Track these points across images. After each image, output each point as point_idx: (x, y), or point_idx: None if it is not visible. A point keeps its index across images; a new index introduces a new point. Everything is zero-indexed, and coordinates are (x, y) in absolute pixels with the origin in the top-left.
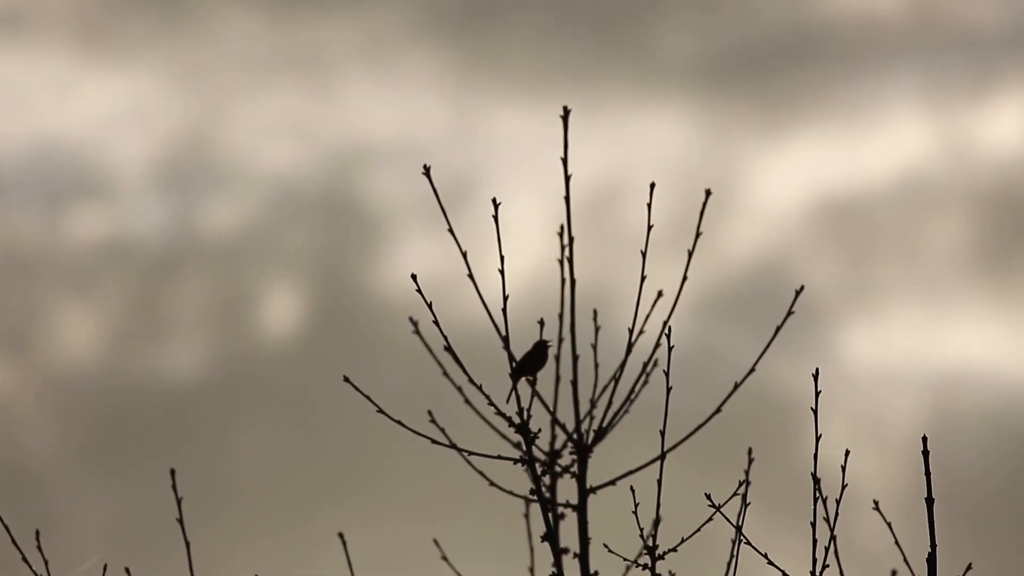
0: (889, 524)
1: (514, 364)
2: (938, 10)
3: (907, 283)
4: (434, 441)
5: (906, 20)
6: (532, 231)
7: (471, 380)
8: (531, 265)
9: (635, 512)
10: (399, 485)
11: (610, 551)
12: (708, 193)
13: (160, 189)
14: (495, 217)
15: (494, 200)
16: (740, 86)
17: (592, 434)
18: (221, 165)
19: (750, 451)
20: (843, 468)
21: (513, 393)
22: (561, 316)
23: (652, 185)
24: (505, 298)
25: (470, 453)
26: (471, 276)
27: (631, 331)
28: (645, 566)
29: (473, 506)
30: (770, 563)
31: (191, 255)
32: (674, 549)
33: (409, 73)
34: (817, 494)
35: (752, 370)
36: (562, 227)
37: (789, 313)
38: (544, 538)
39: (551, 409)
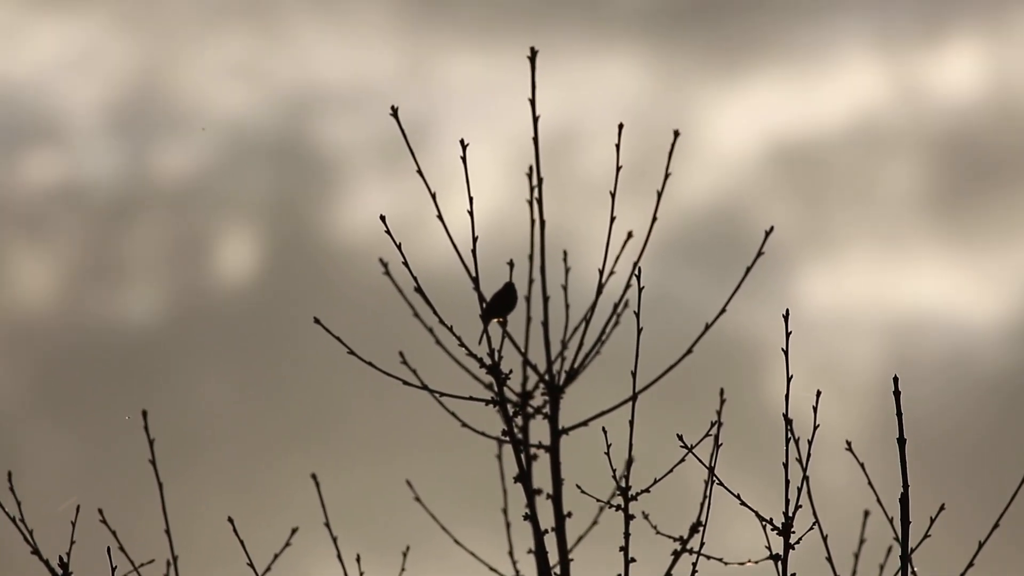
0: (862, 464)
1: (484, 305)
2: None
3: (863, 227)
4: (405, 383)
5: None
6: (488, 174)
7: (442, 321)
8: (489, 207)
9: (607, 453)
10: (370, 427)
11: (583, 492)
12: (676, 134)
13: (113, 133)
14: (463, 158)
15: (462, 141)
16: (693, 31)
17: (564, 375)
18: (174, 109)
19: (722, 392)
20: (814, 408)
21: (484, 334)
22: (531, 257)
23: (620, 126)
24: (475, 239)
25: (442, 394)
26: (440, 217)
27: (601, 272)
28: (618, 507)
29: (445, 447)
30: (743, 504)
31: (145, 199)
32: (647, 490)
33: (362, 18)
34: (789, 435)
35: (723, 310)
36: (531, 168)
37: (759, 254)
38: (517, 479)
39: (522, 350)
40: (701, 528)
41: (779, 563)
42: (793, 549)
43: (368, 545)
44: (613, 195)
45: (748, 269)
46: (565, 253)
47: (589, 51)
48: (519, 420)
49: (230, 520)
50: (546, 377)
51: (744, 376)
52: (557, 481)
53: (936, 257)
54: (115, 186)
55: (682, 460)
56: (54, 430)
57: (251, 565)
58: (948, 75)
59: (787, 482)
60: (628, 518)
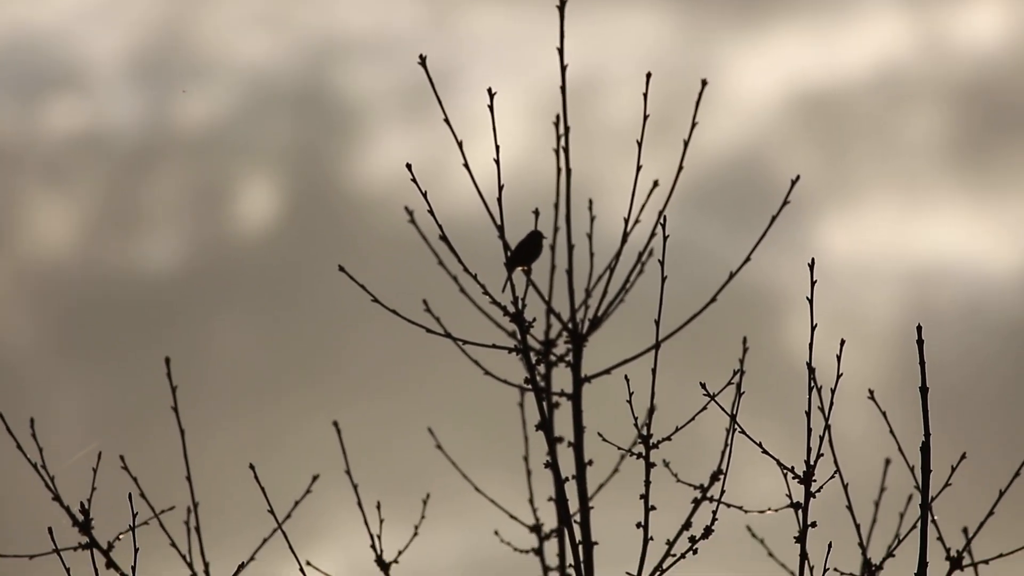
0: (884, 413)
1: (509, 254)
2: None
3: (884, 177)
4: (429, 330)
5: None
6: (511, 123)
7: (466, 269)
8: (512, 155)
9: (629, 401)
10: (391, 374)
11: (604, 440)
12: (704, 83)
13: (135, 81)
14: (491, 107)
15: (489, 90)
16: None
17: (587, 323)
18: (196, 57)
19: (744, 340)
20: (838, 357)
21: (508, 283)
22: (556, 206)
23: (648, 75)
24: (500, 187)
25: (465, 342)
26: (466, 165)
27: (626, 221)
28: (639, 455)
29: (468, 395)
30: (764, 452)
31: (167, 147)
32: (668, 438)
33: None
34: (812, 383)
35: (748, 259)
36: (558, 117)
37: (785, 203)
38: (539, 427)
39: (546, 298)
40: (722, 476)
41: (800, 511)
42: (814, 497)
43: (388, 492)
44: (640, 144)
45: (773, 218)
46: (591, 202)
47: (611, 1)
48: (542, 368)
49: (251, 467)
50: (569, 325)
51: (764, 325)
52: (579, 429)
53: (956, 206)
54: (137, 134)
55: (704, 408)
56: (75, 377)
57: (272, 512)
58: (971, 25)
59: (809, 431)
60: (649, 466)
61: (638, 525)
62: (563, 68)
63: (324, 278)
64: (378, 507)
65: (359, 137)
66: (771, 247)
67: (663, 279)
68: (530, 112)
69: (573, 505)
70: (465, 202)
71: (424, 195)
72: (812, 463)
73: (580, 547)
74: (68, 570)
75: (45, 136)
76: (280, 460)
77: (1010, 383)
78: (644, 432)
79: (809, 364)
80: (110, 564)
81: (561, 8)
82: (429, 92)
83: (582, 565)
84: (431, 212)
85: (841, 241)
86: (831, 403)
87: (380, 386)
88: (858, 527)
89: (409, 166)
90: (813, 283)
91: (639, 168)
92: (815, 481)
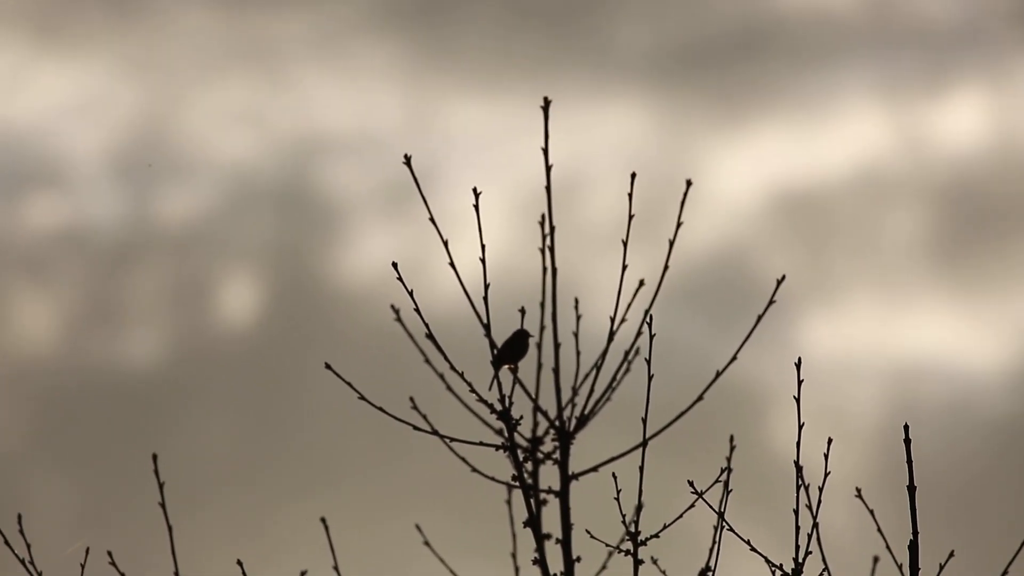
0: (871, 512)
1: (495, 352)
2: (892, 4)
3: (865, 275)
4: (416, 428)
5: (861, 14)
6: (493, 220)
7: (453, 367)
8: (495, 253)
9: (617, 498)
10: (379, 472)
11: (592, 537)
12: (689, 183)
13: (116, 179)
14: (476, 206)
15: (475, 189)
16: (696, 79)
17: (574, 421)
18: (177, 155)
19: (732, 438)
20: (826, 456)
21: (495, 381)
22: (542, 304)
23: (633, 175)
24: (486, 286)
25: (452, 440)
26: (452, 265)
27: (613, 319)
28: (628, 552)
29: (455, 493)
30: (753, 549)
31: (148, 244)
32: (656, 535)
33: (364, 64)
34: (800, 481)
35: (734, 358)
36: (543, 216)
37: (771, 302)
38: (526, 524)
39: (533, 396)
40: (710, 573)
41: None
42: None
43: None
44: (625, 243)
45: (759, 317)
46: (576, 300)
47: (593, 98)
48: (529, 465)
49: (239, 563)
50: (556, 423)
51: (749, 422)
52: (567, 526)
53: (938, 305)
54: (118, 230)
55: (692, 505)
56: (58, 472)
57: None
58: (951, 125)
59: (797, 528)
60: (637, 563)
61: None
62: (548, 168)
63: (307, 374)
64: None
65: (341, 234)
66: (754, 345)
67: (650, 377)
68: (511, 209)
69: None
70: (449, 299)
71: (411, 294)
72: (801, 561)
73: None
74: None
75: (27, 231)
76: (267, 554)
77: (996, 479)
78: (632, 529)
79: (797, 463)
80: None
81: (545, 109)
82: (410, 189)
83: None
84: (417, 310)
85: (824, 339)
86: (819, 501)
87: (367, 482)
88: None
89: (395, 264)
90: (800, 382)
91: (624, 267)
92: None
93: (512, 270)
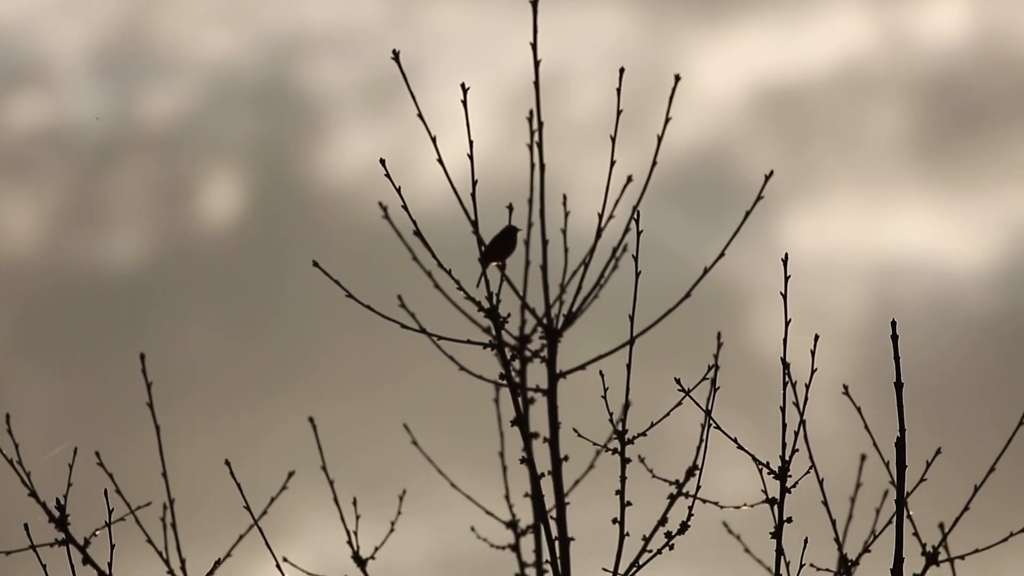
0: (859, 409)
1: (483, 249)
2: None
3: (848, 173)
4: (403, 326)
5: None
6: (477, 118)
7: (440, 265)
8: (479, 150)
9: (604, 397)
10: (366, 372)
11: (580, 436)
12: (677, 78)
13: (98, 76)
14: (464, 102)
15: (463, 85)
16: None
17: (562, 319)
18: (158, 52)
19: (719, 335)
20: (812, 353)
21: (483, 278)
22: (530, 201)
23: (621, 70)
24: (474, 183)
25: (439, 338)
26: (440, 161)
27: (600, 216)
28: (615, 450)
29: (443, 391)
30: (739, 447)
31: (130, 143)
32: (643, 433)
33: None
34: (786, 378)
35: (722, 255)
36: (531, 112)
37: (759, 198)
38: (514, 423)
39: (521, 294)
40: (697, 472)
41: (775, 507)
42: (789, 493)
43: (364, 489)
44: (613, 139)
45: (747, 213)
46: (565, 197)
47: None
48: (516, 364)
49: (227, 463)
50: (544, 321)
51: (732, 320)
52: (554, 425)
53: (921, 202)
54: (100, 129)
55: (679, 403)
56: (44, 373)
57: (248, 508)
58: (934, 20)
59: (784, 426)
60: (624, 462)
61: (614, 521)
62: (536, 63)
63: (292, 273)
64: (354, 503)
65: (324, 132)
66: (736, 243)
67: (637, 274)
68: (495, 107)
69: (549, 501)
70: (434, 197)
71: (398, 190)
72: (787, 458)
73: (556, 543)
74: (44, 567)
75: (7, 131)
76: (255, 457)
77: (982, 378)
78: (619, 428)
79: (783, 359)
80: (86, 560)
81: (534, 4)
82: (394, 87)
83: (558, 561)
84: (405, 207)
85: (806, 237)
86: (806, 398)
87: (354, 382)
88: (834, 523)
89: (383, 161)
90: (787, 278)
91: (612, 163)
92: (790, 477)
93: (497, 168)
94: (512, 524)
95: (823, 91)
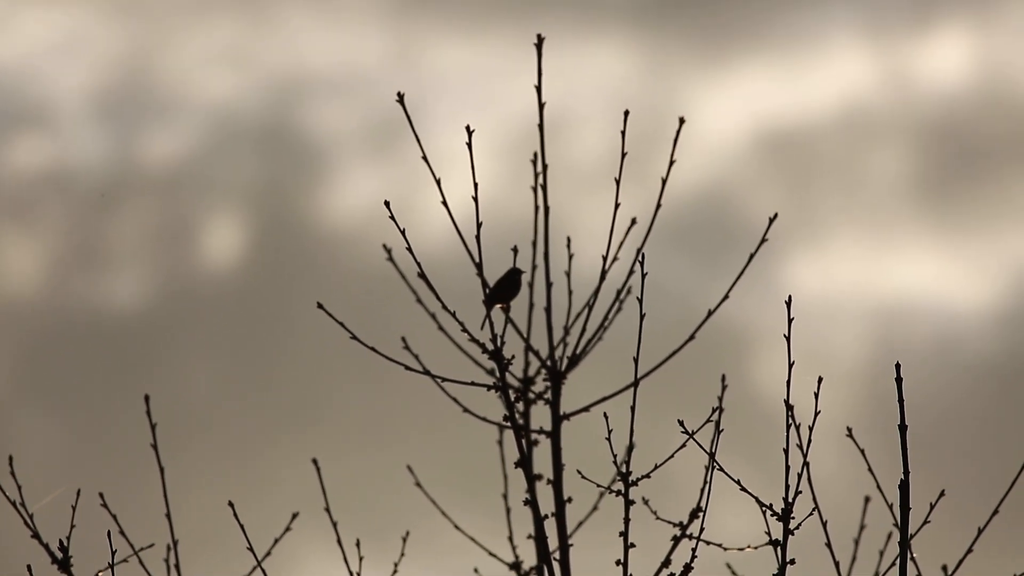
0: (862, 451)
1: (488, 291)
2: None
3: (850, 214)
4: (407, 368)
5: None
6: (479, 161)
7: (445, 307)
8: (481, 194)
9: (608, 439)
10: (369, 412)
11: (584, 477)
12: (682, 121)
13: (100, 118)
14: (469, 144)
15: (468, 127)
16: (680, 17)
17: (566, 361)
18: (160, 95)
19: (723, 378)
20: (816, 395)
21: (487, 320)
22: (534, 243)
23: (626, 113)
24: (479, 225)
25: (444, 379)
26: (445, 203)
27: (605, 258)
28: (618, 492)
29: (446, 433)
30: (743, 489)
31: (132, 184)
32: (647, 475)
33: (350, 3)
34: (790, 420)
35: (726, 296)
36: (535, 155)
37: (763, 240)
38: (518, 464)
39: (525, 336)
40: (701, 514)
41: (779, 549)
42: (793, 535)
43: (368, 530)
44: (618, 181)
45: (752, 256)
46: (568, 240)
47: (577, 37)
48: (520, 405)
49: (230, 504)
50: (548, 363)
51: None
52: (558, 466)
53: (923, 243)
54: (102, 171)
55: (683, 446)
56: (42, 415)
57: (251, 549)
58: (936, 62)
59: (787, 468)
60: (628, 503)
61: (617, 563)
62: (540, 106)
63: (295, 315)
64: (357, 545)
65: (325, 174)
66: (738, 284)
67: (642, 316)
68: (497, 147)
69: (553, 543)
70: (436, 240)
71: (403, 232)
72: (791, 500)
73: None
74: None
75: (10, 173)
76: (258, 499)
77: (985, 419)
78: (623, 469)
79: (787, 401)
80: None
81: (539, 46)
82: (395, 129)
83: None
84: (409, 249)
85: (808, 278)
86: (809, 440)
87: (358, 425)
88: (837, 565)
89: (387, 203)
90: (790, 320)
91: (617, 206)
92: (794, 518)
93: (500, 208)
94: (515, 566)
95: (825, 133)
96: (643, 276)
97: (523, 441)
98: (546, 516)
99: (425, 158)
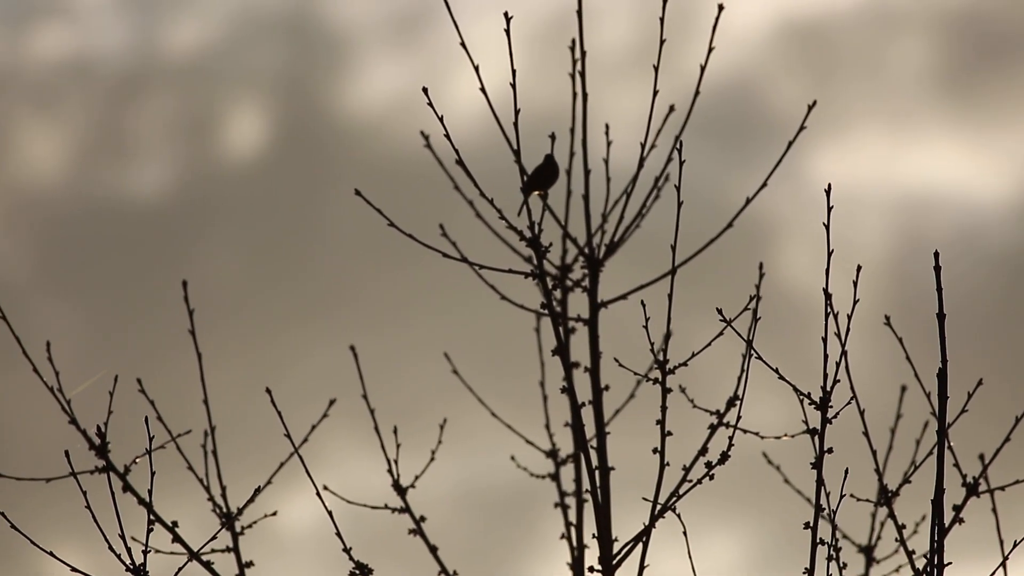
0: (900, 339)
1: (525, 178)
2: None
3: (873, 105)
4: (445, 255)
5: None
6: (502, 48)
7: (483, 194)
8: (502, 81)
9: (646, 327)
10: (407, 301)
11: (621, 365)
12: (721, 8)
13: (122, 7)
14: (507, 31)
15: (506, 14)
16: None
17: (603, 248)
18: None
19: (761, 266)
20: (855, 283)
21: (524, 207)
22: (572, 130)
23: (665, 0)
24: (516, 112)
25: (481, 267)
26: (483, 89)
27: (643, 145)
28: (656, 380)
29: (484, 321)
30: (781, 377)
31: (155, 74)
32: (685, 363)
33: None
34: (828, 308)
35: (764, 184)
36: (573, 41)
37: (801, 128)
38: (555, 352)
39: (563, 223)
40: (738, 402)
41: (816, 437)
42: (830, 423)
43: (405, 418)
44: (656, 68)
45: (790, 143)
46: (607, 127)
47: None
48: (558, 293)
49: (268, 391)
50: (586, 250)
51: (760, 255)
52: (595, 354)
53: (946, 135)
54: (124, 60)
55: (721, 333)
56: (70, 303)
57: (288, 436)
58: None
59: (825, 357)
60: (665, 392)
61: (654, 451)
62: None
63: (319, 203)
64: (395, 432)
65: (349, 63)
66: (758, 174)
67: (679, 204)
68: (526, 37)
69: (589, 430)
70: (467, 128)
71: (440, 119)
72: (829, 389)
73: (596, 472)
74: (85, 493)
75: (32, 61)
76: (295, 386)
77: (1016, 309)
78: (660, 357)
79: (826, 290)
80: (127, 488)
81: None
82: (420, 18)
83: (598, 490)
84: (447, 136)
85: (830, 169)
86: (848, 329)
87: (395, 312)
88: (874, 453)
89: (425, 90)
90: (830, 208)
91: (655, 93)
92: (831, 407)
93: (529, 100)
94: (552, 453)
95: (849, 23)
96: (681, 164)
97: (560, 329)
98: (583, 404)
99: (463, 44)
